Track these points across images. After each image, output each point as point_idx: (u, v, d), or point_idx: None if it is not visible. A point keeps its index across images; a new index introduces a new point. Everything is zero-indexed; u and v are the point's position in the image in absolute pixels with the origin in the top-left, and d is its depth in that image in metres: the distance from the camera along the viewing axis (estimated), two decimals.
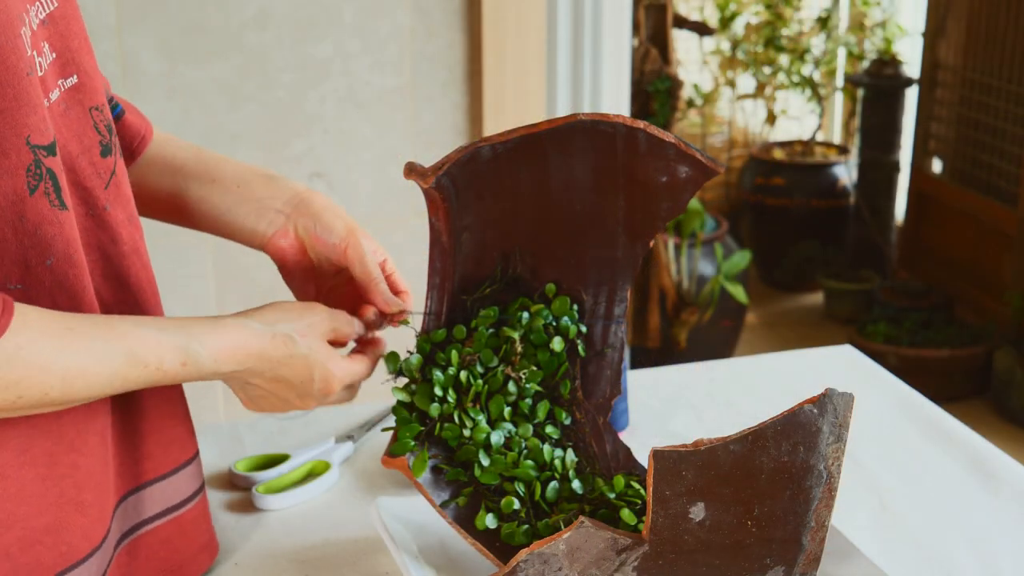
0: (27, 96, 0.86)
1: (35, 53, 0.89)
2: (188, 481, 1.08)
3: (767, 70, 4.44)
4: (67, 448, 0.94)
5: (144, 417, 1.03)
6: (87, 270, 0.95)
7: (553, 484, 1.05)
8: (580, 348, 1.12)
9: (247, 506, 1.24)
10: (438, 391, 1.06)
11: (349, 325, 1.07)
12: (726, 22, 4.35)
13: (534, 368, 1.09)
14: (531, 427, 1.08)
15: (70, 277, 0.92)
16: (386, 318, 1.13)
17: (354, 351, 1.10)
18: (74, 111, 0.95)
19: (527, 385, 1.08)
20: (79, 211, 0.96)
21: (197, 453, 1.10)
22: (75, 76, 0.96)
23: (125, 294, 1.01)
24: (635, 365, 3.35)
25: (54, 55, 0.93)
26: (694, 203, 3.44)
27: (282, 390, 1.02)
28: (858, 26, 4.46)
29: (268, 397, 1.02)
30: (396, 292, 1.15)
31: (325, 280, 1.15)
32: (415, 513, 1.11)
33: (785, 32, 4.37)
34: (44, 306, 0.91)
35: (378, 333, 1.12)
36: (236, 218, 1.14)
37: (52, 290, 0.91)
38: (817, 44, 4.44)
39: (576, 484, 1.06)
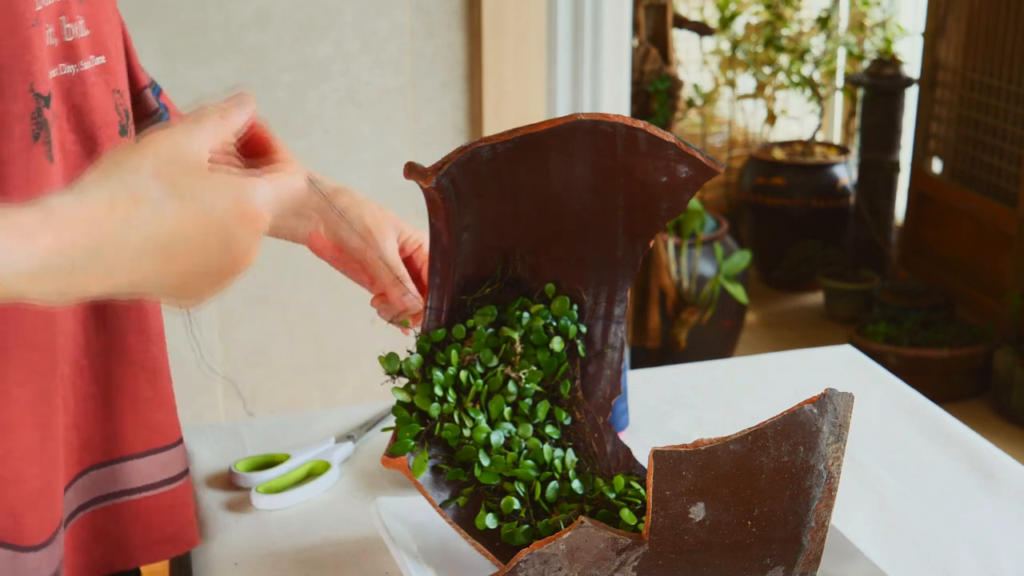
0: (31, 44, 0.88)
1: (65, 19, 0.92)
2: (159, 468, 1.08)
3: (767, 70, 4.43)
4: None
5: (121, 394, 1.04)
6: None
7: (553, 484, 1.05)
8: (580, 348, 1.11)
9: (247, 506, 1.24)
10: (438, 391, 1.05)
11: (237, 104, 0.84)
12: (726, 22, 4.35)
13: (534, 368, 1.09)
14: (531, 427, 1.08)
15: None
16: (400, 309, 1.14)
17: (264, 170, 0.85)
18: (100, 87, 0.99)
19: (527, 385, 1.08)
20: None
21: (178, 442, 1.10)
22: (103, 57, 0.99)
23: None
24: (635, 365, 3.35)
25: (88, 32, 0.96)
26: (694, 203, 3.44)
27: (192, 223, 0.74)
28: (858, 26, 4.45)
29: (189, 258, 0.77)
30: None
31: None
32: (415, 513, 1.11)
33: (785, 32, 4.37)
34: None
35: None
36: (276, 221, 1.15)
37: None
38: (817, 44, 4.44)
39: (576, 484, 1.06)
